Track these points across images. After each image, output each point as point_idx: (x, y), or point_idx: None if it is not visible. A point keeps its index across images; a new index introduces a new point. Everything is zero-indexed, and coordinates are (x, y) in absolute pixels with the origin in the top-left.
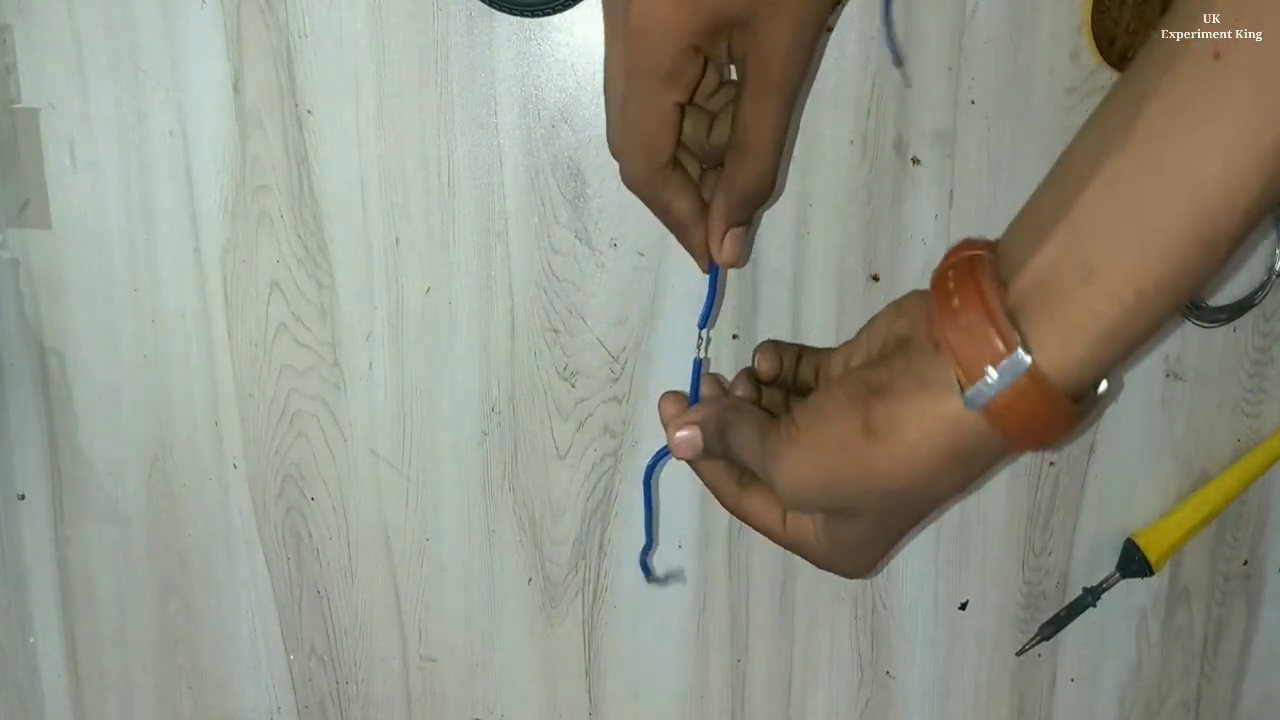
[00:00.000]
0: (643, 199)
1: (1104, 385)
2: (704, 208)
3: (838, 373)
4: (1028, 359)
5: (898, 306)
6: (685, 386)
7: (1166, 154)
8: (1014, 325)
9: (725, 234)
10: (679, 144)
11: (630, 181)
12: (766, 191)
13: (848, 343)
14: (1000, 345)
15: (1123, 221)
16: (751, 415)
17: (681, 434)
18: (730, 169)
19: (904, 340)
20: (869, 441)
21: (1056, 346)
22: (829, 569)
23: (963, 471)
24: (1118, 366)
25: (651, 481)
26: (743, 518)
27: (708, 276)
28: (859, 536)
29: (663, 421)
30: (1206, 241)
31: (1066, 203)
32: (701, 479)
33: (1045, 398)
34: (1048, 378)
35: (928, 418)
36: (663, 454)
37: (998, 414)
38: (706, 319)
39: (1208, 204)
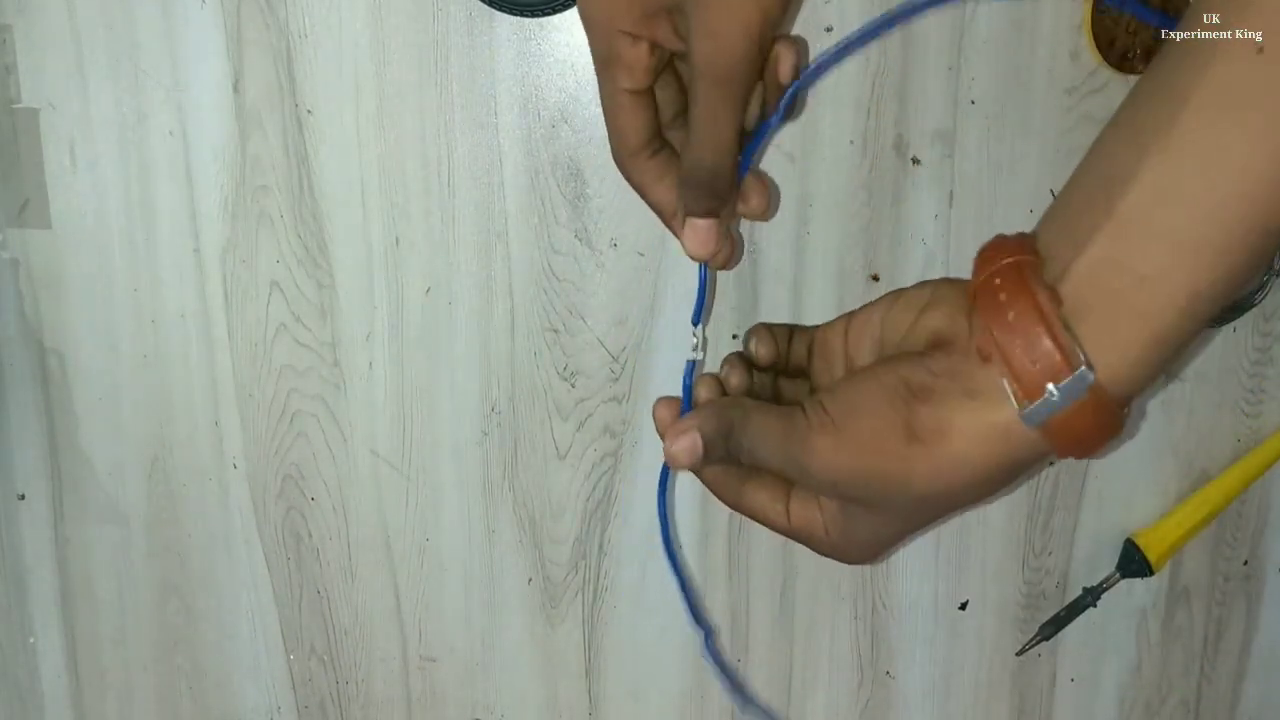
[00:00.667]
0: (629, 183)
1: None
2: None
3: (836, 348)
4: (1092, 376)
5: (928, 298)
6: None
7: (1213, 150)
8: (1073, 339)
9: (685, 223)
10: (657, 129)
11: (618, 167)
12: (718, 184)
13: (846, 316)
14: (1060, 360)
15: (1173, 224)
16: (761, 408)
17: (680, 443)
18: (683, 156)
19: (940, 340)
20: (911, 445)
21: (1114, 358)
22: (832, 557)
23: (1007, 481)
24: (1166, 369)
25: (669, 524)
26: (744, 513)
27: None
28: (876, 531)
29: (659, 430)
30: (1258, 238)
31: (1111, 205)
32: (700, 479)
33: (1103, 411)
34: (1107, 391)
35: (978, 428)
36: (666, 477)
37: (1055, 430)
38: (699, 316)
39: (1259, 200)
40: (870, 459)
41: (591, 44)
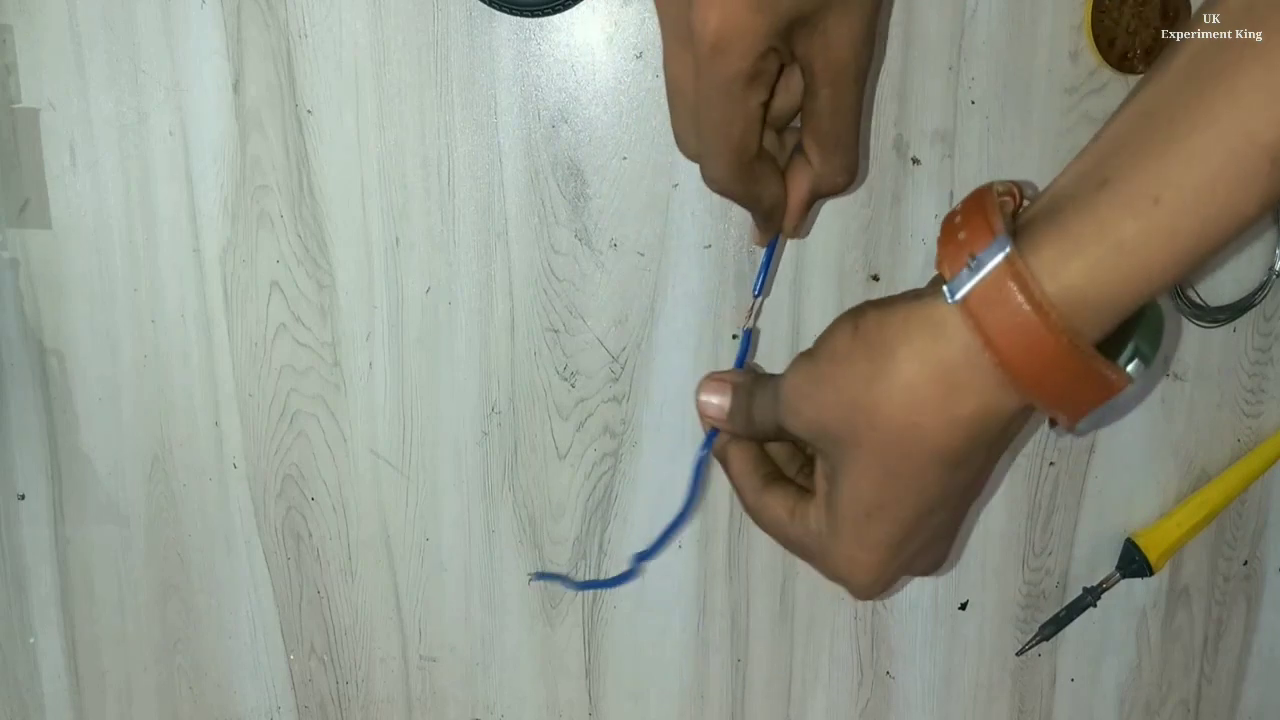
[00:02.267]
0: (730, 196)
1: (1135, 363)
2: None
3: None
4: (1008, 245)
5: None
6: (685, 387)
7: (1203, 68)
8: (1012, 231)
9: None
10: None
11: (716, 183)
12: (853, 173)
13: None
14: (985, 233)
15: (1146, 133)
16: (776, 375)
17: (710, 389)
18: (819, 165)
19: None
20: (855, 342)
21: (1056, 253)
22: (832, 567)
23: (947, 402)
24: (1135, 297)
25: (701, 473)
26: (758, 514)
27: (764, 249)
28: (853, 505)
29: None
30: (1241, 155)
31: (1097, 133)
32: (727, 471)
33: (1032, 302)
34: (1037, 279)
35: (910, 321)
36: (711, 439)
37: (976, 309)
38: (762, 287)
39: (1243, 113)
40: (824, 371)
41: (728, 64)
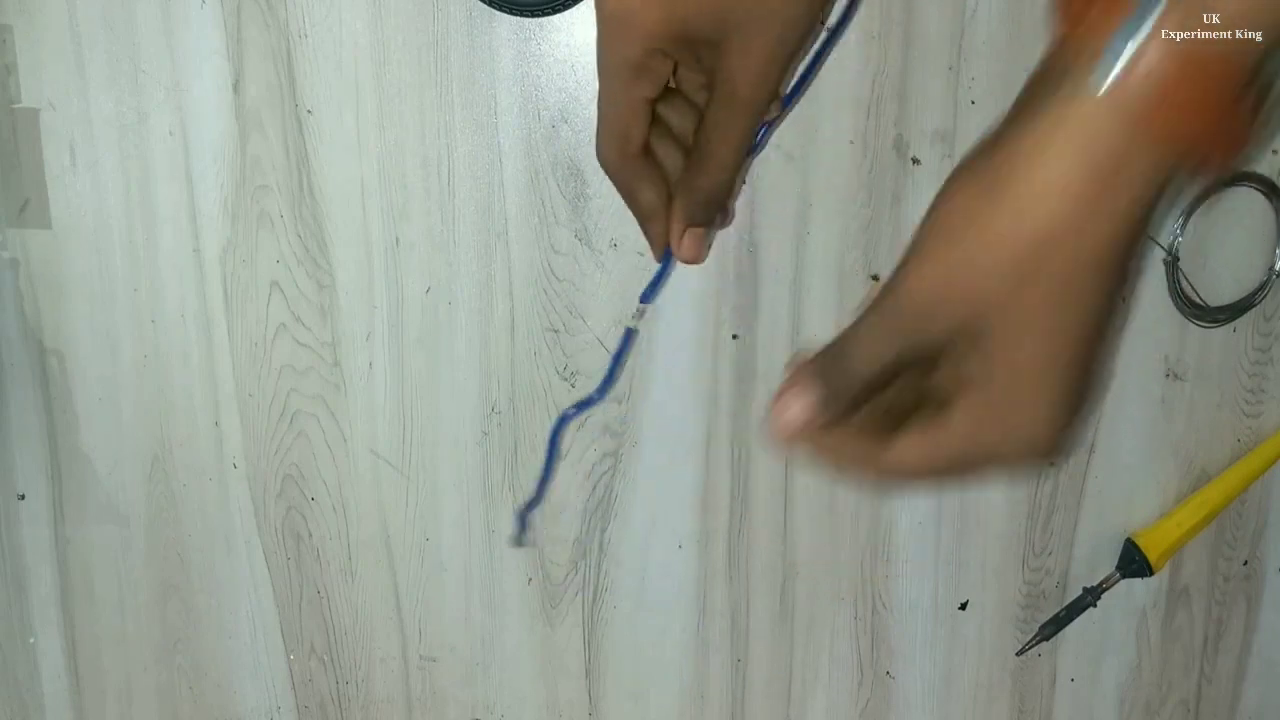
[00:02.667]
0: (614, 183)
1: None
2: (669, 200)
3: None
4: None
5: None
6: (685, 387)
7: None
8: None
9: (684, 232)
10: (654, 133)
11: (603, 164)
12: (723, 198)
13: None
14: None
15: None
16: (861, 320)
17: (790, 402)
18: (690, 172)
19: None
20: (988, 198)
21: None
22: (1011, 456)
23: (1104, 200)
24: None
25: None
26: (896, 471)
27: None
28: (1024, 371)
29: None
30: None
31: None
32: (843, 465)
33: (1197, 58)
34: (1197, 22)
35: (1045, 136)
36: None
37: (1134, 84)
38: (651, 295)
39: None
40: (954, 235)
41: (619, 51)
